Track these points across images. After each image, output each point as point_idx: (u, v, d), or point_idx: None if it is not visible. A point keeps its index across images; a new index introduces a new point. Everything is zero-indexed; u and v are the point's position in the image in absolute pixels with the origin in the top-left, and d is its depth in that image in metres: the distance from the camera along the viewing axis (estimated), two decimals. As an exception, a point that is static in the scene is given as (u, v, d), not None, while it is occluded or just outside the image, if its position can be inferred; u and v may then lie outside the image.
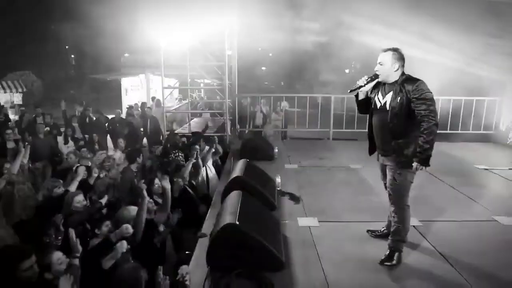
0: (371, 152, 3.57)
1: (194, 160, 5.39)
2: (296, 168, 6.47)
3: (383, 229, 3.78)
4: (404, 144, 3.15)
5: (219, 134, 9.31)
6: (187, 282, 2.67)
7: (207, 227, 3.97)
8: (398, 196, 3.30)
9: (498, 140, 8.78)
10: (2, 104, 15.35)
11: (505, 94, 8.72)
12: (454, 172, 6.13)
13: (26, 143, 5.45)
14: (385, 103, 3.19)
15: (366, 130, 3.53)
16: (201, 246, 3.54)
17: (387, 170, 3.37)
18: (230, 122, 9.57)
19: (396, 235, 3.32)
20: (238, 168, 4.78)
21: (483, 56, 7.93)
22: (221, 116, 10.99)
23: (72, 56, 38.57)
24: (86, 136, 9.77)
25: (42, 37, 26.99)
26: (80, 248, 2.97)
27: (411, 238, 3.78)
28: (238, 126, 10.13)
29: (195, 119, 12.35)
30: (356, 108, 3.63)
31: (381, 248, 3.48)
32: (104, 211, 4.30)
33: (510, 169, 6.43)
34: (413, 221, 4.11)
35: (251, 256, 3.08)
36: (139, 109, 12.47)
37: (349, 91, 3.36)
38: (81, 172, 4.82)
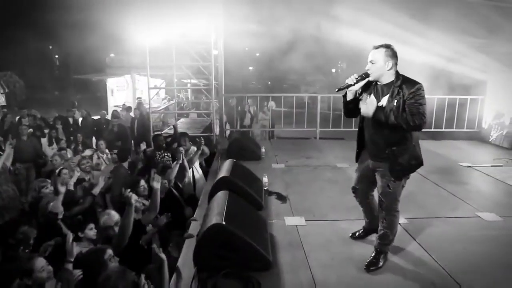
0: (358, 158, 3.40)
1: (180, 162, 5.36)
2: (283, 167, 6.48)
3: (360, 231, 3.73)
4: (398, 152, 2.98)
5: (206, 135, 9.28)
6: None
7: (194, 227, 3.95)
8: (391, 204, 3.16)
9: (481, 138, 8.95)
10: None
11: (487, 93, 8.89)
12: (438, 170, 6.23)
13: (10, 145, 5.32)
14: (381, 105, 2.97)
15: (354, 132, 3.42)
16: (188, 247, 3.52)
17: (378, 176, 3.18)
18: (217, 123, 9.54)
19: (384, 240, 3.24)
20: (225, 168, 4.77)
21: (465, 55, 8.08)
22: (208, 117, 10.96)
23: (56, 56, 37.95)
24: (72, 137, 9.65)
25: (24, 37, 26.48)
26: (74, 253, 2.92)
27: (397, 235, 3.83)
28: (228, 126, 10.12)
29: (182, 120, 12.27)
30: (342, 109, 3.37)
31: (368, 247, 3.51)
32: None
33: (492, 166, 6.56)
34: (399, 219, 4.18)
35: (238, 256, 3.08)
36: (126, 110, 12.35)
37: (336, 89, 3.13)
38: (65, 175, 4.77)
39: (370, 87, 3.10)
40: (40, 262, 2.79)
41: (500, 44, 7.67)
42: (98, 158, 6.92)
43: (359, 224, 4.05)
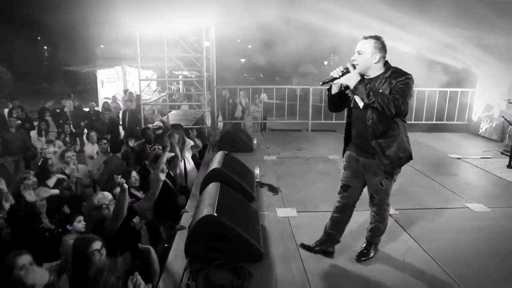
0: (345, 154, 3.22)
1: (170, 153, 5.32)
2: (275, 159, 6.49)
3: (317, 243, 3.35)
4: (386, 144, 2.84)
5: (198, 127, 9.24)
6: None
7: (186, 219, 3.94)
8: (383, 199, 3.09)
9: (471, 130, 9.05)
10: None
11: (477, 85, 8.97)
12: (428, 161, 6.29)
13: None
14: (363, 79, 2.77)
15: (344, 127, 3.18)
16: (180, 238, 3.51)
17: (369, 175, 3.03)
18: (209, 115, 9.50)
19: (375, 232, 3.23)
20: (216, 160, 4.76)
21: (456, 48, 8.13)
22: (200, 109, 10.90)
23: (45, 47, 37.31)
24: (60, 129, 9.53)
25: (12, 27, 25.99)
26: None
27: (387, 226, 3.87)
28: (221, 118, 10.07)
29: (174, 112, 12.19)
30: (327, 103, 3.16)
31: (359, 238, 3.54)
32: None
33: (482, 158, 6.64)
34: (389, 210, 4.22)
35: (230, 247, 3.08)
36: (117, 101, 12.24)
37: (321, 83, 2.96)
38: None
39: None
40: (24, 260, 2.74)
41: (488, 37, 7.73)
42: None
43: (355, 215, 4.08)
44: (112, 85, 17.40)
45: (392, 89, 2.70)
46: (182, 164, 5.73)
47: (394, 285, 2.92)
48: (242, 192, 4.25)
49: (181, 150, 5.74)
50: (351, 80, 2.71)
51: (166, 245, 3.69)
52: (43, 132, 8.79)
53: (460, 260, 3.25)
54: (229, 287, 2.81)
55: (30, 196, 3.68)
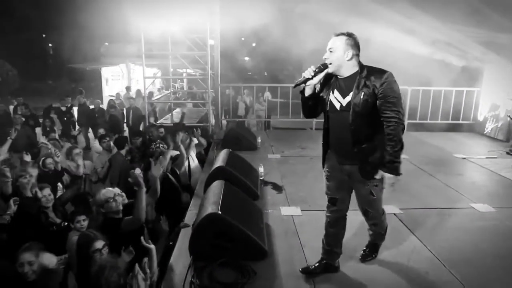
0: (325, 164, 2.94)
1: (173, 151, 5.34)
2: (279, 158, 6.48)
3: (317, 264, 3.06)
4: (368, 150, 2.64)
5: (202, 125, 9.25)
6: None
7: (190, 217, 3.95)
8: (378, 210, 2.94)
9: (476, 130, 9.00)
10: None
11: (483, 85, 8.91)
12: (433, 161, 6.27)
13: (8, 137, 5.26)
14: (348, 103, 2.60)
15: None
16: (184, 236, 3.52)
17: (357, 184, 2.81)
18: (213, 112, 9.50)
19: (377, 238, 3.19)
20: (221, 158, 4.76)
21: (461, 45, 8.07)
22: (204, 107, 10.91)
23: (50, 45, 37.43)
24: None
25: (17, 25, 26.12)
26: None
27: (391, 225, 3.86)
28: (226, 117, 10.07)
29: (178, 110, 12.21)
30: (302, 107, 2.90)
31: (363, 237, 3.53)
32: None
33: (487, 158, 6.60)
34: (393, 209, 4.22)
35: (234, 245, 3.08)
36: (121, 98, 12.27)
37: (293, 86, 2.74)
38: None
39: (330, 82, 2.72)
40: (27, 257, 2.76)
41: (494, 35, 7.66)
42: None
43: (354, 215, 4.07)
44: (116, 83, 17.48)
45: (381, 98, 2.52)
46: (186, 162, 5.74)
47: (399, 284, 2.91)
48: (246, 190, 4.24)
49: (186, 149, 5.75)
50: (396, 171, 2.65)
51: (170, 242, 3.70)
52: (47, 129, 8.85)
53: (465, 260, 3.23)
54: (233, 285, 2.81)
55: (26, 191, 3.73)
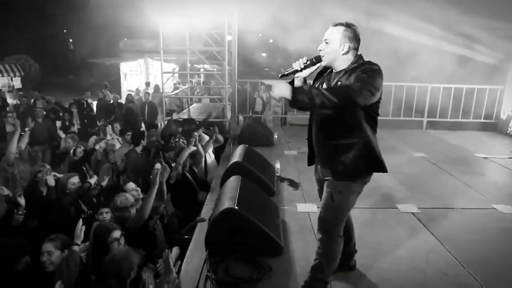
0: (310, 162, 2.75)
1: (192, 148, 5.37)
2: (296, 154, 6.46)
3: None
4: (342, 147, 2.36)
5: (219, 120, 9.28)
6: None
7: (206, 212, 3.97)
8: (331, 222, 2.51)
9: (498, 129, 8.76)
10: (0, 88, 15.26)
11: (507, 83, 8.66)
12: (453, 160, 6.14)
13: (27, 128, 5.38)
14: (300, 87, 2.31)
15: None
16: (200, 231, 3.54)
17: (325, 186, 2.54)
18: (229, 108, 9.53)
19: (316, 272, 2.56)
20: (237, 154, 4.77)
21: (485, 40, 7.83)
22: (221, 102, 10.94)
23: (70, 40, 38.13)
24: (85, 120, 9.76)
25: (39, 21, 26.68)
26: (82, 237, 2.94)
27: (409, 224, 3.81)
28: (243, 113, 10.07)
29: (195, 105, 12.29)
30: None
31: (379, 234, 3.50)
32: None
33: (509, 158, 6.43)
34: (412, 208, 4.16)
35: (250, 240, 3.09)
36: (140, 94, 12.43)
37: (279, 75, 2.45)
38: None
39: (323, 76, 2.52)
40: (48, 247, 2.83)
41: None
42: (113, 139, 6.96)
43: (370, 213, 4.04)
44: (134, 78, 17.68)
45: (352, 79, 2.25)
46: (203, 159, 5.78)
47: (416, 285, 2.86)
48: (263, 186, 4.24)
49: (203, 147, 5.79)
50: (282, 92, 2.11)
51: (186, 236, 3.74)
52: (66, 123, 9.03)
53: (485, 262, 3.16)
54: (249, 281, 2.81)
55: (50, 180, 3.81)
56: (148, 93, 11.54)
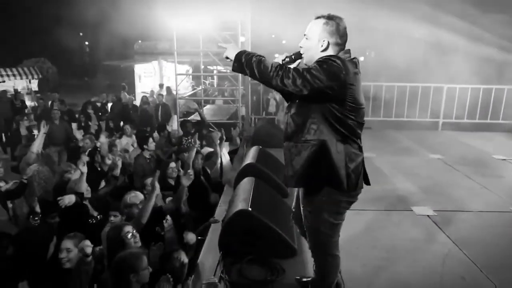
0: None
1: (208, 149, 5.41)
2: (309, 156, 6.41)
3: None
4: (295, 149, 2.13)
5: (232, 121, 9.31)
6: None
7: (220, 213, 3.99)
8: (318, 242, 2.30)
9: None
10: (19, 90, 15.59)
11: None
12: (470, 162, 6.03)
13: (42, 131, 5.48)
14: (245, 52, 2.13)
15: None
16: (214, 232, 3.56)
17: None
18: (243, 109, 9.55)
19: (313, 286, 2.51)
20: (251, 155, 4.77)
21: (503, 38, 7.66)
22: (234, 103, 10.97)
23: (86, 43, 38.82)
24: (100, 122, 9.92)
25: (57, 25, 27.19)
26: (89, 250, 2.97)
27: (425, 227, 3.75)
28: (256, 114, 10.09)
29: (208, 106, 12.35)
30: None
31: (393, 236, 3.45)
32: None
33: (529, 159, 6.29)
34: (427, 211, 4.10)
35: (263, 242, 3.08)
36: (154, 96, 12.56)
37: None
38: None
39: None
40: (67, 244, 2.88)
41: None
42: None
43: (385, 215, 4.00)
44: (148, 80, 17.86)
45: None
46: (219, 160, 5.80)
47: (432, 288, 2.82)
48: (276, 188, 4.23)
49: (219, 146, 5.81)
50: (229, 53, 2.04)
51: (199, 237, 3.75)
52: (82, 124, 9.19)
53: (504, 266, 3.09)
54: (262, 282, 2.81)
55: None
56: (162, 95, 11.66)
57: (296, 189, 2.48)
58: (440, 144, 7.30)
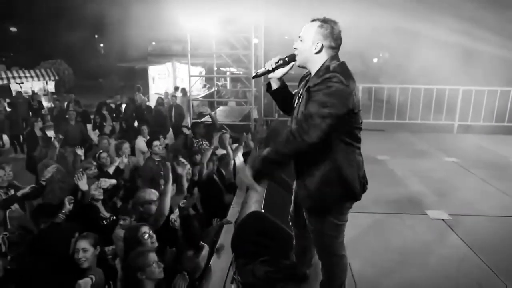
0: None
1: (222, 150, 5.44)
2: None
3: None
4: (307, 171, 2.12)
5: (245, 123, 9.34)
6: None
7: (232, 214, 4.00)
8: (322, 244, 2.33)
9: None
10: (36, 91, 15.92)
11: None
12: (486, 165, 5.92)
13: (60, 135, 5.58)
14: (297, 109, 2.19)
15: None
16: (226, 233, 3.57)
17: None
18: (255, 111, 9.57)
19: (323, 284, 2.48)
20: (263, 157, 4.77)
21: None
22: (247, 105, 10.99)
23: (101, 45, 39.38)
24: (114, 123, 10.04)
25: (73, 27, 27.68)
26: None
27: (440, 231, 3.71)
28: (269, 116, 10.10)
29: (221, 108, 12.40)
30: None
31: (408, 240, 3.42)
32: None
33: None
34: (442, 215, 4.05)
35: (276, 243, 3.09)
36: (169, 96, 12.67)
37: (252, 76, 2.39)
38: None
39: (306, 79, 2.23)
40: (82, 244, 2.92)
41: None
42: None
43: (399, 218, 3.97)
44: (162, 81, 18.03)
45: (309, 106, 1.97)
46: (232, 161, 5.83)
47: (447, 293, 2.79)
48: (289, 190, 4.23)
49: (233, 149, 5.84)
50: (247, 180, 2.01)
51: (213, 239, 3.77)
52: (97, 124, 9.32)
53: (521, 272, 3.03)
54: (274, 284, 2.81)
55: (83, 185, 3.91)
56: (175, 96, 11.74)
57: (294, 192, 2.48)
58: (456, 147, 7.20)
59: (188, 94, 10.72)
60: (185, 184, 4.08)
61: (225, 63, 11.57)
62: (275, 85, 2.33)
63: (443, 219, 3.97)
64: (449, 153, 6.66)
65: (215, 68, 11.40)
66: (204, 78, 17.65)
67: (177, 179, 4.09)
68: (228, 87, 17.33)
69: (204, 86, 16.99)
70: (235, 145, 6.39)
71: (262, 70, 2.27)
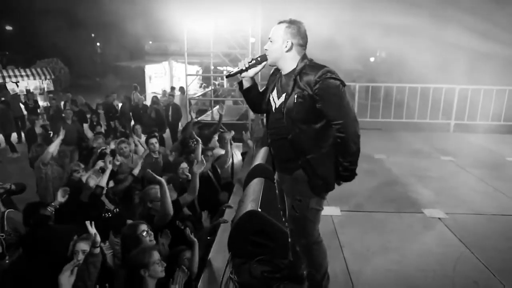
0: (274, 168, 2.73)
1: (220, 149, 5.42)
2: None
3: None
4: (315, 161, 2.30)
5: (242, 122, 9.32)
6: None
7: (229, 213, 3.98)
8: (303, 232, 2.47)
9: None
10: (31, 90, 15.83)
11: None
12: (484, 165, 5.93)
13: (61, 138, 5.56)
14: (280, 105, 2.31)
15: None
16: (223, 232, 3.56)
17: (285, 195, 2.58)
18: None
19: (311, 281, 2.51)
20: (260, 156, 4.73)
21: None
22: (244, 104, 10.98)
23: (98, 44, 39.24)
24: (111, 122, 10.01)
25: (69, 26, 27.57)
26: (98, 239, 2.99)
27: (437, 230, 3.71)
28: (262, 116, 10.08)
29: (218, 107, 12.36)
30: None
31: (405, 239, 3.42)
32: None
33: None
34: (439, 213, 4.05)
35: (273, 243, 3.07)
36: (167, 95, 12.65)
37: (226, 75, 2.56)
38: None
39: (276, 77, 2.43)
40: (82, 246, 2.89)
41: None
42: (135, 144, 7.06)
43: (396, 217, 3.97)
44: (159, 80, 17.98)
45: (319, 101, 2.15)
46: (230, 160, 5.81)
47: (444, 292, 2.79)
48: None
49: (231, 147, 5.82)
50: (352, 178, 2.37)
51: (208, 237, 3.76)
52: (94, 124, 9.28)
53: (518, 271, 3.04)
54: (271, 283, 2.80)
55: (93, 181, 3.92)
56: (172, 95, 11.71)
57: (277, 181, 2.72)
58: (452, 145, 7.21)
59: (186, 92, 10.69)
60: (197, 184, 4.04)
61: (222, 62, 11.55)
62: (247, 84, 2.48)
63: (439, 218, 3.97)
64: (446, 152, 6.67)
65: (212, 67, 11.37)
66: (201, 77, 17.61)
67: (192, 177, 4.09)
68: (225, 86, 17.29)
69: (201, 86, 16.94)
70: (238, 144, 6.37)
71: (236, 69, 2.41)
